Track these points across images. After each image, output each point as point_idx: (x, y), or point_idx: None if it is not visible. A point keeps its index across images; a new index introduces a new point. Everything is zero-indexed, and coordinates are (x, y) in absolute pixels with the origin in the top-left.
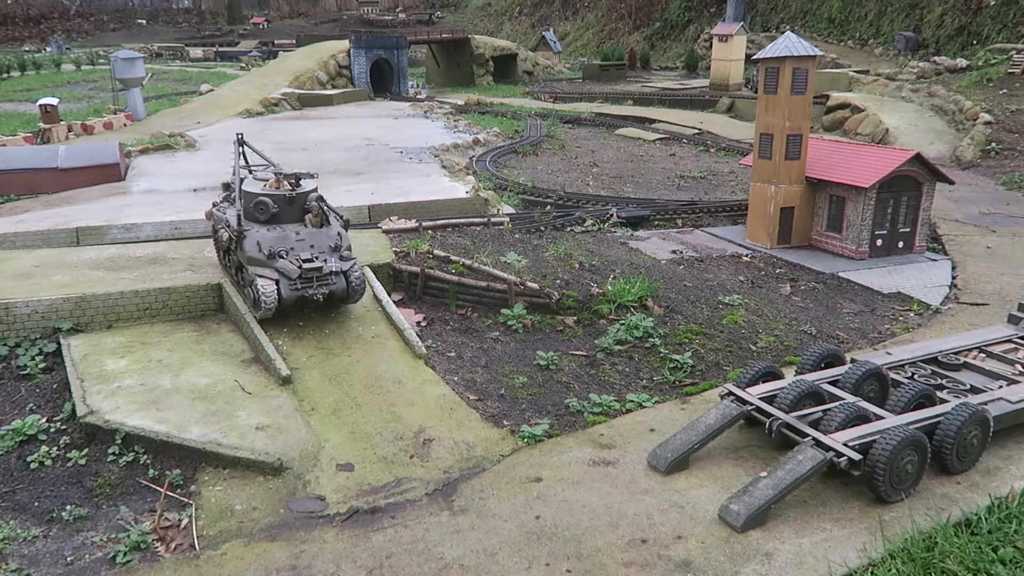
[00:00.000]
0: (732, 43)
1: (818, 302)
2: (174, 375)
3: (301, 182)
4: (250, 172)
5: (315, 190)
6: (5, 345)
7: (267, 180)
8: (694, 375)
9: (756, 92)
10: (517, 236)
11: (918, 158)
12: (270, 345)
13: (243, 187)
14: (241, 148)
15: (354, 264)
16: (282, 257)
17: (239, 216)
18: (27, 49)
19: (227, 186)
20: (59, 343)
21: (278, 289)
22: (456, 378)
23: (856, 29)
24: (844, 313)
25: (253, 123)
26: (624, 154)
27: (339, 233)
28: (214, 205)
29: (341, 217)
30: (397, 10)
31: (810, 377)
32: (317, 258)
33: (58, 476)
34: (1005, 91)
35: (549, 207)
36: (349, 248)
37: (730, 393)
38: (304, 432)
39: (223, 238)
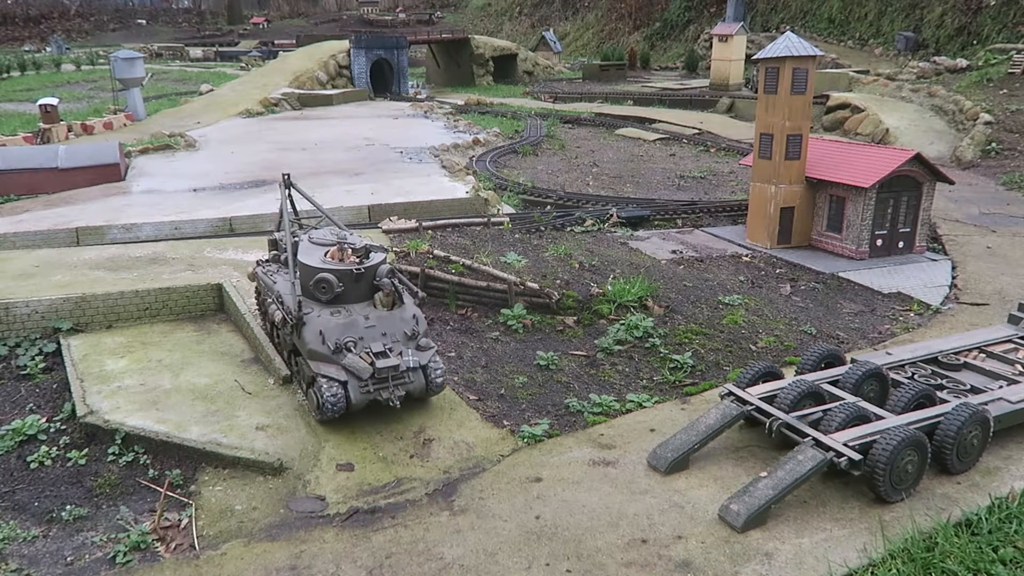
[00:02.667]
0: (732, 43)
1: (818, 302)
2: (174, 375)
3: (370, 254)
4: (300, 227)
5: (384, 261)
6: (5, 345)
7: (325, 243)
8: (694, 375)
9: (756, 92)
10: (517, 236)
11: (918, 158)
12: (270, 345)
13: (300, 257)
14: (288, 192)
15: (433, 354)
16: (349, 350)
17: (299, 301)
18: (27, 49)
19: (275, 243)
20: (59, 343)
21: (346, 393)
22: (456, 378)
23: (856, 29)
24: (844, 313)
25: (253, 123)
26: (624, 154)
27: (415, 316)
28: (259, 264)
29: (416, 294)
30: (397, 10)
31: (810, 377)
32: (391, 350)
33: (58, 476)
34: (1005, 91)
35: (549, 207)
36: (426, 333)
37: (730, 393)
38: (304, 432)
39: (275, 317)
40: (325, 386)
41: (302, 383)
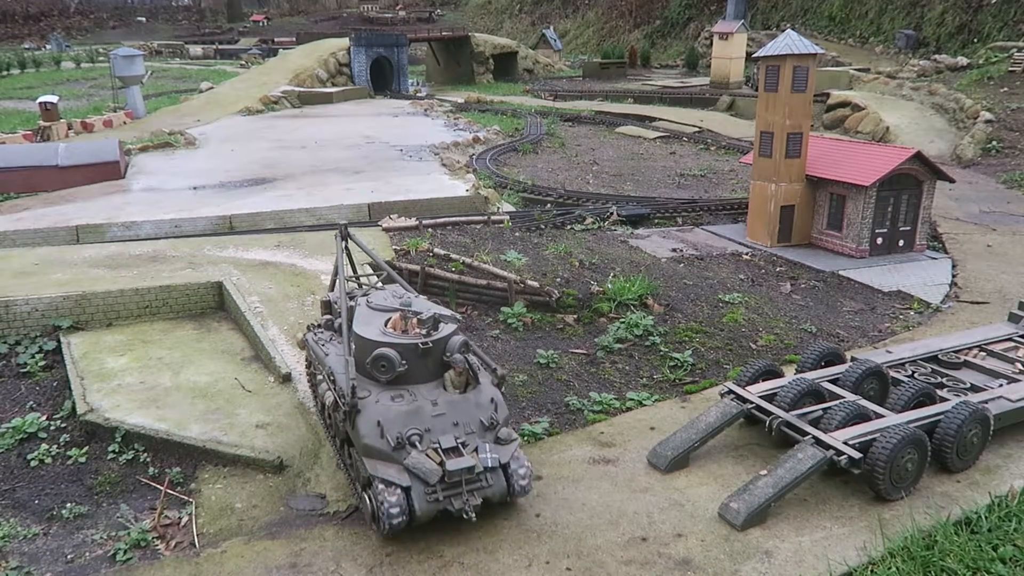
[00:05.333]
0: (733, 41)
1: (818, 300)
2: (174, 373)
3: (439, 324)
4: (359, 284)
5: (455, 332)
6: (5, 343)
7: (386, 309)
8: (694, 373)
9: (756, 90)
10: (517, 234)
11: (918, 156)
12: (270, 343)
13: (356, 327)
14: (345, 244)
15: (516, 447)
16: (414, 446)
17: (353, 386)
18: (27, 47)
19: (328, 305)
20: (59, 341)
21: (408, 500)
22: None
23: (857, 27)
24: (844, 311)
25: (253, 121)
26: (624, 152)
27: (492, 399)
28: (309, 329)
29: (495, 371)
30: (397, 8)
31: (810, 375)
32: (464, 445)
33: (58, 474)
34: (1006, 89)
35: (549, 205)
36: (507, 421)
37: (730, 391)
38: (304, 430)
39: (326, 398)
40: (384, 493)
41: (356, 484)
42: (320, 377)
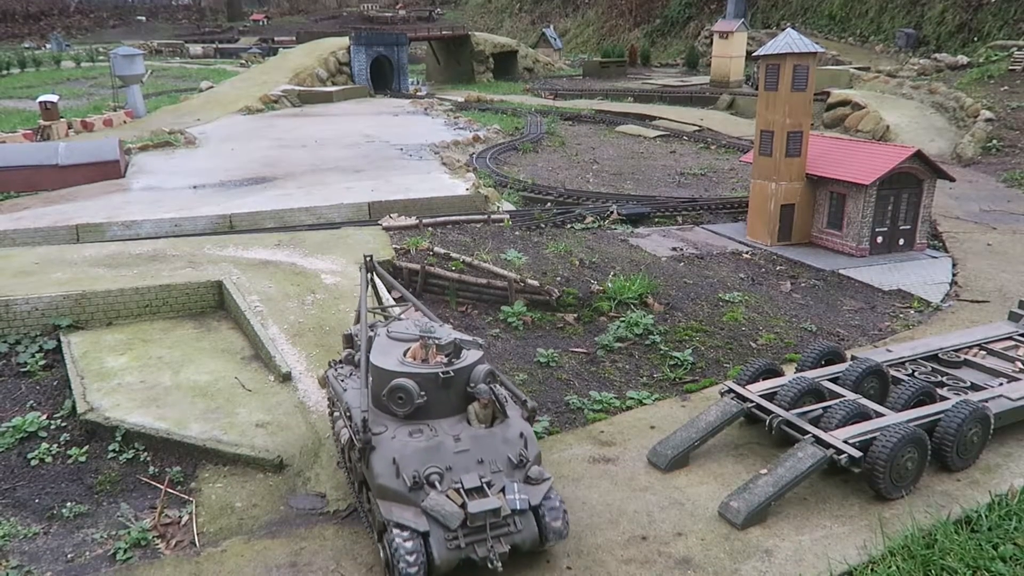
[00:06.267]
0: (733, 40)
1: (818, 299)
2: (174, 372)
3: (462, 352)
4: (384, 316)
5: (480, 361)
6: (5, 342)
7: (407, 339)
8: (694, 372)
9: (757, 89)
10: (517, 233)
11: (919, 155)
12: (270, 342)
13: (374, 357)
14: (370, 276)
15: (549, 488)
16: (433, 485)
17: (364, 418)
18: (27, 46)
19: (350, 339)
20: (59, 340)
21: (426, 548)
22: None
23: (857, 26)
24: (844, 310)
25: (253, 120)
26: (624, 151)
27: (522, 434)
28: (331, 365)
29: (525, 403)
30: (397, 7)
31: (810, 374)
32: (490, 485)
33: (58, 473)
34: (1006, 88)
35: (549, 204)
36: (539, 459)
37: (730, 390)
38: (304, 429)
39: (342, 436)
40: (398, 540)
41: (373, 529)
42: (337, 414)
